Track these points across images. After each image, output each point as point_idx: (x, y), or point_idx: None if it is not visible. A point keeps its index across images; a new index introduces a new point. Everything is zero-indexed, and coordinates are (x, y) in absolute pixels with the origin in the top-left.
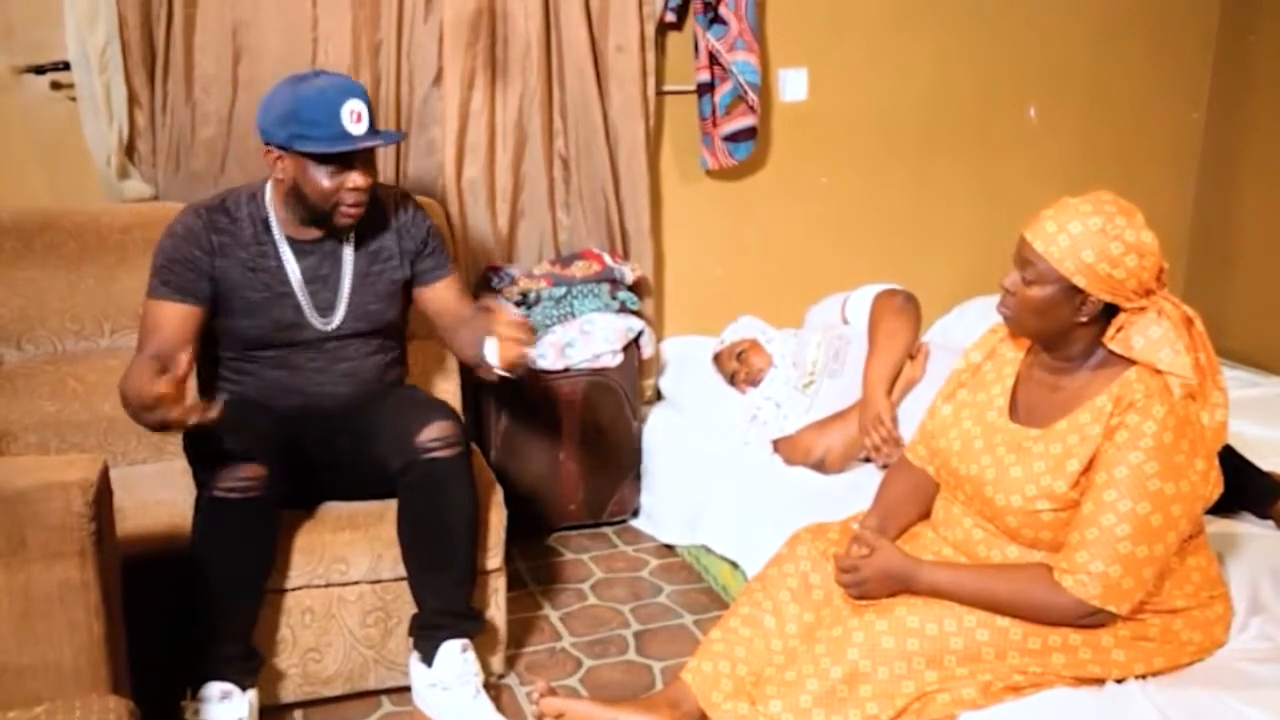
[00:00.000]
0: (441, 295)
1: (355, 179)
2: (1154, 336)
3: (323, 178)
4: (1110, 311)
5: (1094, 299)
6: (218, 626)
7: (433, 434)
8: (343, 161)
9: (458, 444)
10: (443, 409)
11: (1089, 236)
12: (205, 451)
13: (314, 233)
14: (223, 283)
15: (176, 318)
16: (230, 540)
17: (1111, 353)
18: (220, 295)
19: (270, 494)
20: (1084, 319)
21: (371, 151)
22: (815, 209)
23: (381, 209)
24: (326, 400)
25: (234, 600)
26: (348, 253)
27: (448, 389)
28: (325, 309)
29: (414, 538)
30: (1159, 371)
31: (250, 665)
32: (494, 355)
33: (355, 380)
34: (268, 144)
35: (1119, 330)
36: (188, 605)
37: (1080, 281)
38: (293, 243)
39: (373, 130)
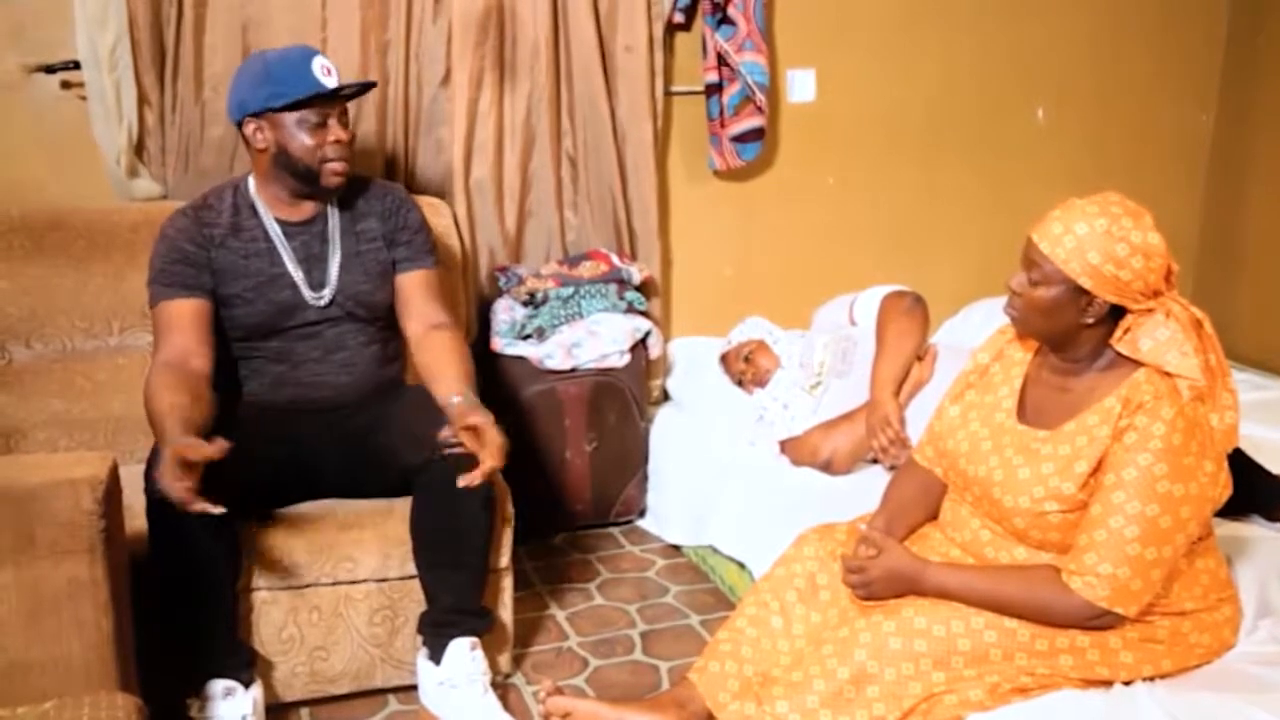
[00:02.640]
0: (405, 285)
1: (336, 131)
2: (1161, 338)
3: (305, 134)
4: (1118, 313)
5: (1100, 301)
6: (198, 626)
7: (454, 432)
8: (320, 117)
9: None
10: None
11: (1095, 238)
12: (150, 454)
13: (302, 212)
14: (221, 274)
15: (188, 314)
16: (179, 540)
17: (1120, 354)
18: (220, 287)
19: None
20: (1091, 320)
21: (346, 110)
22: (823, 210)
23: (368, 195)
24: (326, 390)
25: (202, 599)
26: (335, 232)
27: None
28: (317, 285)
29: (430, 535)
30: (1168, 373)
31: (240, 660)
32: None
33: (353, 370)
34: (245, 118)
35: (1126, 332)
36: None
37: (1086, 283)
38: (281, 224)
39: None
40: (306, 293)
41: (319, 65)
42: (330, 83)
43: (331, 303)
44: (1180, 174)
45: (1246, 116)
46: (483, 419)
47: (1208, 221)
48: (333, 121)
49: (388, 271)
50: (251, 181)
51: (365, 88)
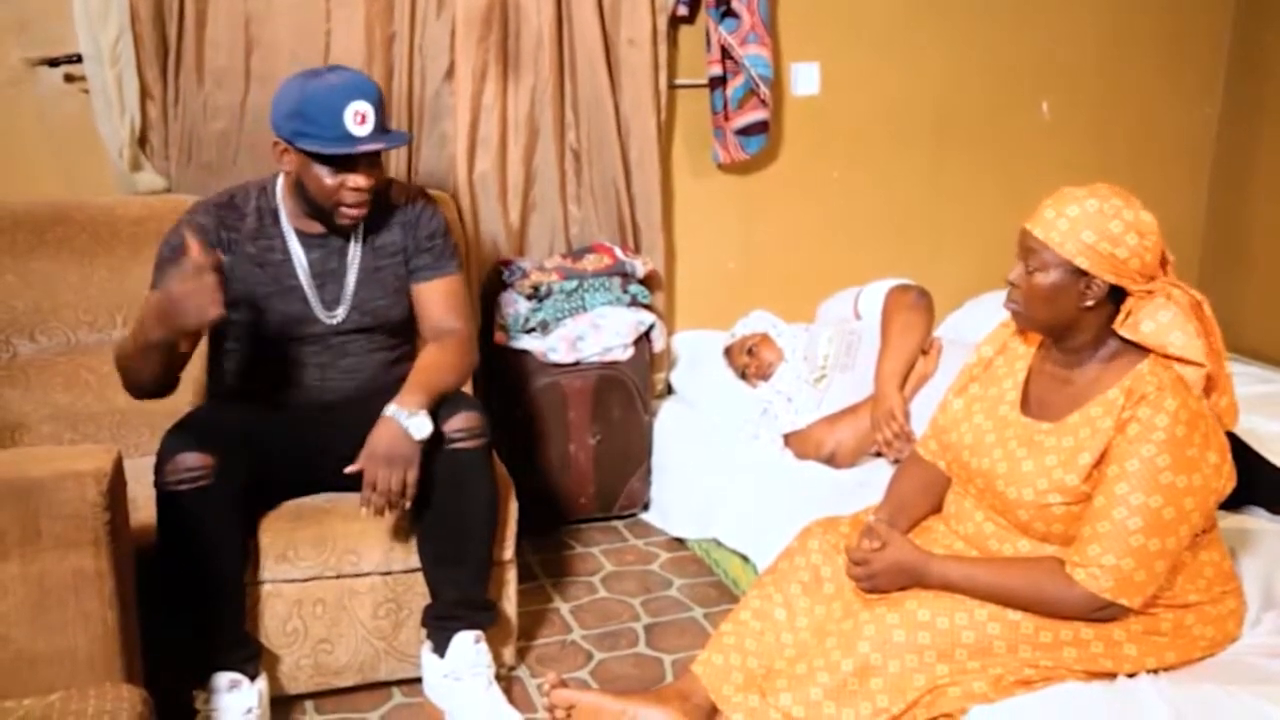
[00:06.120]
0: (424, 295)
1: (357, 180)
2: (1163, 320)
3: (324, 176)
4: (1118, 299)
5: (1099, 281)
6: (205, 619)
7: (458, 425)
8: (345, 162)
9: (482, 435)
10: (467, 401)
11: (1087, 218)
12: (161, 448)
13: (321, 227)
14: (232, 280)
15: None
16: (190, 533)
17: (1124, 343)
18: (228, 290)
19: (224, 481)
20: (1091, 303)
21: (377, 153)
22: (827, 203)
23: (392, 205)
24: (329, 396)
25: (211, 592)
26: (354, 248)
27: None
28: (331, 303)
29: (433, 528)
30: (1170, 357)
31: (247, 653)
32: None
33: (359, 377)
34: (277, 136)
35: (1128, 315)
36: (185, 598)
37: (1083, 263)
38: (301, 235)
39: (377, 132)
40: (318, 309)
41: (353, 114)
42: (361, 133)
43: (345, 319)
44: (1185, 169)
45: (1251, 112)
46: (367, 464)
47: (1213, 216)
48: (356, 171)
49: (405, 288)
50: (280, 185)
51: (396, 143)
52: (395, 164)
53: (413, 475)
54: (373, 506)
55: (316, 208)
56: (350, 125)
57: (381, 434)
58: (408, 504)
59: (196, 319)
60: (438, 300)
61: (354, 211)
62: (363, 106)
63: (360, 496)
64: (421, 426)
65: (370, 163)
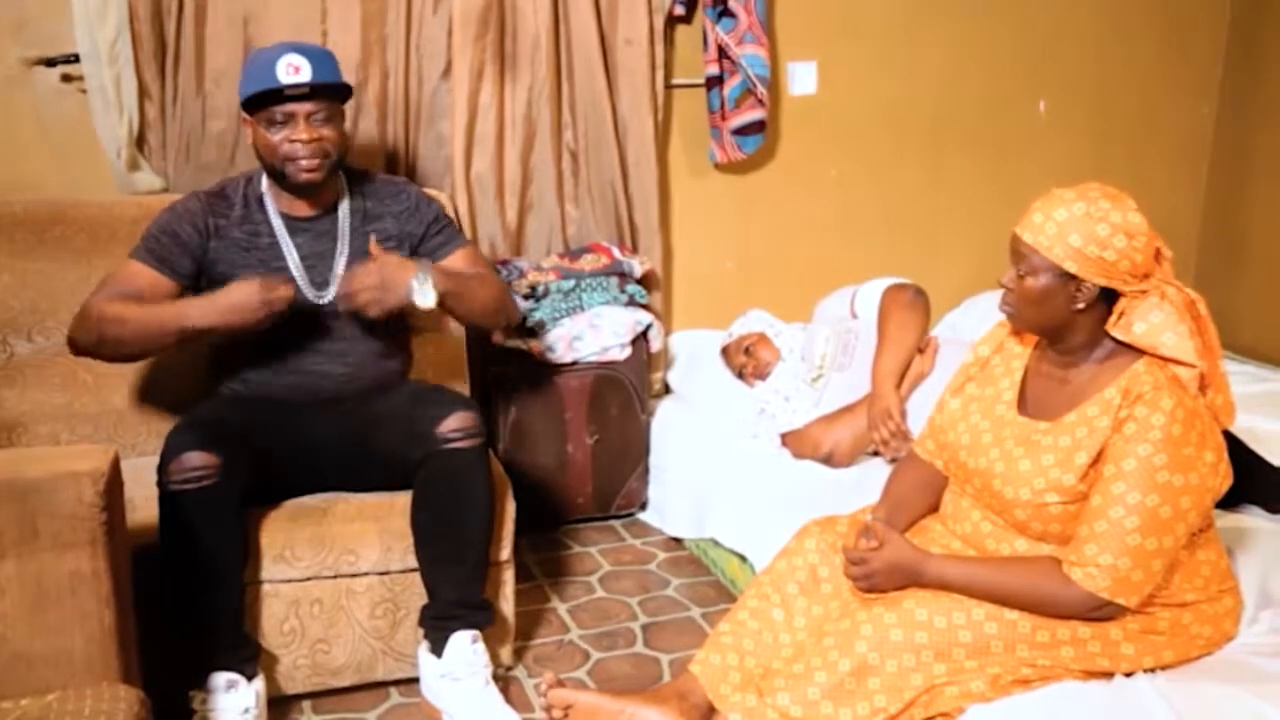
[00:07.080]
0: (456, 268)
1: (297, 132)
2: (1155, 321)
3: (269, 132)
4: (1111, 299)
5: (1089, 284)
6: (205, 619)
7: (454, 424)
8: (285, 115)
9: (478, 435)
10: (463, 400)
11: (1074, 221)
12: (165, 448)
13: (306, 208)
14: (218, 264)
15: (148, 281)
16: (193, 533)
17: (1118, 344)
18: (216, 276)
19: (228, 480)
20: (1082, 305)
21: (325, 109)
22: (824, 203)
23: (380, 194)
24: (323, 381)
25: (212, 592)
26: (344, 231)
27: (458, 383)
28: (320, 284)
29: (430, 528)
30: (1162, 358)
31: (246, 653)
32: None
33: (351, 362)
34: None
35: (1121, 316)
36: (185, 598)
37: (1071, 267)
38: (287, 219)
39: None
40: (307, 290)
41: (285, 64)
42: (289, 80)
43: (334, 300)
44: (1182, 166)
45: (1248, 109)
46: (370, 265)
47: (1209, 214)
48: (300, 120)
49: None
50: (264, 175)
51: (330, 90)
52: (392, 163)
53: (376, 311)
54: (341, 294)
55: (274, 172)
56: (282, 74)
57: (394, 265)
58: (350, 308)
59: (258, 323)
60: (465, 266)
61: (306, 164)
62: (297, 60)
63: (344, 280)
64: (425, 294)
65: (315, 118)
